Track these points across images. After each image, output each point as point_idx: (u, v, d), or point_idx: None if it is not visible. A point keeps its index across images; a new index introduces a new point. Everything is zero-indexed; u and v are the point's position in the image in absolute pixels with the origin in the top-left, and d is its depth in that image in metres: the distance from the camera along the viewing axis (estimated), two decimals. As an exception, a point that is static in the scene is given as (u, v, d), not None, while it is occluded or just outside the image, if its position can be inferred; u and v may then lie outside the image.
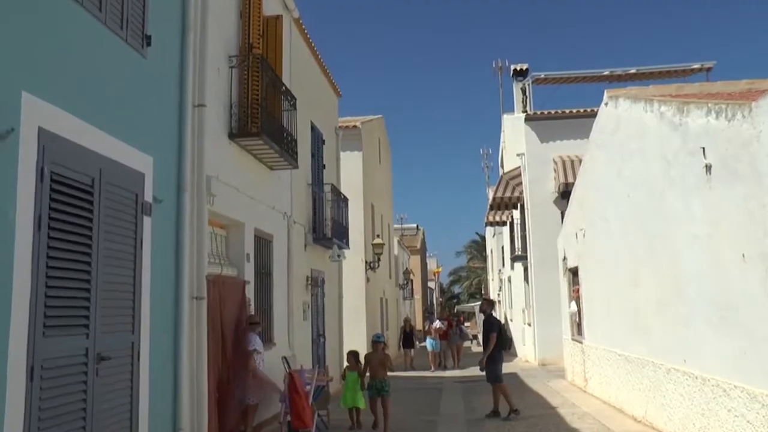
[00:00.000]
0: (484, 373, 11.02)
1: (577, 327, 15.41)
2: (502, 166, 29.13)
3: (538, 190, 21.68)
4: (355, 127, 22.67)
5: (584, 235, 13.61)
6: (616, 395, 11.31)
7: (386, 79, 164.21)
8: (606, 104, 11.47)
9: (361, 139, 22.64)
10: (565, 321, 16.48)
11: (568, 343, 15.96)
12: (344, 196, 15.91)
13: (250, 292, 9.68)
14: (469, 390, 16.25)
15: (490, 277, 44.66)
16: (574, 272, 15.46)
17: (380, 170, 27.87)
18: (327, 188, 14.81)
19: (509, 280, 30.53)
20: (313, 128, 14.49)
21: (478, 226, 77.77)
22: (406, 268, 37.27)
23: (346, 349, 21.07)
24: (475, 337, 49.24)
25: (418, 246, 56.73)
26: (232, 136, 9.13)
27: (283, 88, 10.66)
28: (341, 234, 15.22)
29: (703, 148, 7.24)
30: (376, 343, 10.69)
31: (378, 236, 22.77)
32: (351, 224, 21.35)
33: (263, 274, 10.82)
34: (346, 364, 11.49)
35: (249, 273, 9.74)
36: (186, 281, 7.29)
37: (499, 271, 36.41)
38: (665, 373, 8.78)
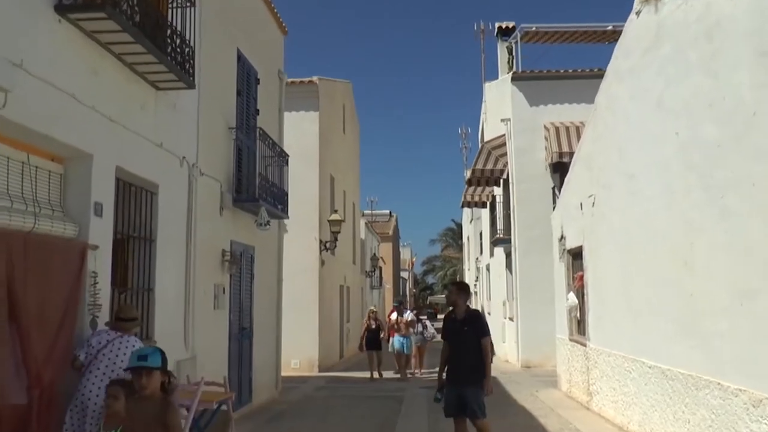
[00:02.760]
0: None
1: (577, 324, 12.14)
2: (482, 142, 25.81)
3: (526, 162, 18.38)
4: (311, 82, 19.27)
5: (593, 204, 10.31)
6: (643, 422, 8.03)
7: (354, 46, 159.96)
8: (638, 13, 8.13)
9: (318, 97, 19.18)
10: (560, 316, 13.20)
11: (564, 343, 12.69)
12: (284, 152, 12.43)
13: (100, 262, 6.22)
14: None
15: (465, 267, 41.49)
16: (575, 254, 12.17)
17: (344, 141, 24.43)
18: (261, 140, 11.32)
19: (487, 269, 27.28)
20: (241, 58, 11.02)
21: (454, 213, 74.70)
22: (374, 254, 33.89)
23: (288, 347, 17.87)
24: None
25: (390, 233, 53.44)
26: (61, 8, 5.65)
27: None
28: (277, 198, 11.77)
29: None
30: None
31: (336, 211, 19.33)
32: (303, 195, 18.02)
33: (136, 239, 7.36)
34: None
35: (100, 233, 6.28)
36: None
37: (476, 259, 33.19)
38: (749, 406, 5.47)
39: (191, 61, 7.72)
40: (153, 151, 7.55)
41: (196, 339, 8.68)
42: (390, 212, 58.38)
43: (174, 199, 8.18)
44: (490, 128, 22.07)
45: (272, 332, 13.04)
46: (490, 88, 23.24)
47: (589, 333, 10.79)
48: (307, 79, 19.28)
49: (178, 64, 7.33)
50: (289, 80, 19.01)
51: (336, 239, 19.14)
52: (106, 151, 6.43)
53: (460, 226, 52.36)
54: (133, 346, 5.65)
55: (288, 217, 12.57)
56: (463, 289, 7.19)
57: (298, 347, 17.74)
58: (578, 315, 11.98)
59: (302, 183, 18.22)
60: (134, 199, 7.30)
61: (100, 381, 5.48)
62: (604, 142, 9.69)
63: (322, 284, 18.90)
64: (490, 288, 26.79)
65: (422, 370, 17.56)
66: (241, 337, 10.83)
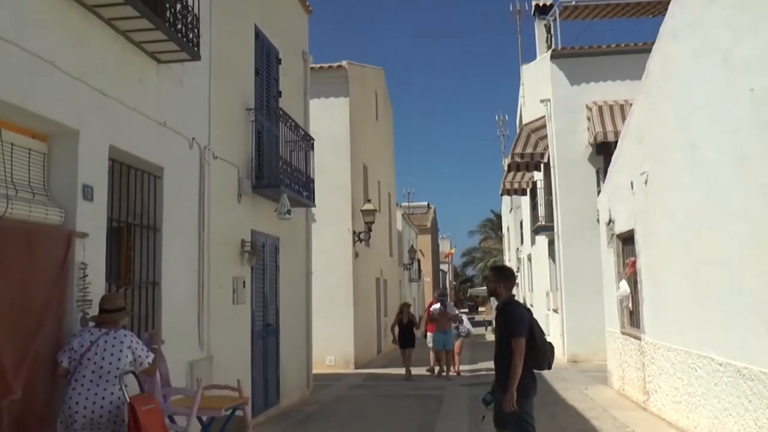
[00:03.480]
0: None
1: (629, 316, 11.14)
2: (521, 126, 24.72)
3: (568, 144, 17.32)
4: (340, 67, 18.47)
5: (646, 182, 9.31)
6: (714, 428, 7.05)
7: (389, 44, 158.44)
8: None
9: (348, 83, 18.37)
10: (609, 307, 12.21)
11: (615, 337, 11.69)
12: (309, 136, 11.64)
13: (90, 252, 5.50)
14: (476, 399, 12.04)
15: (506, 257, 40.37)
16: (625, 239, 11.17)
17: (377, 129, 23.61)
18: (283, 123, 10.54)
19: (529, 259, 26.26)
20: (259, 36, 10.26)
21: (493, 204, 73.61)
22: (412, 246, 33.04)
23: (322, 344, 17.12)
24: (490, 323, 45.04)
25: (429, 225, 52.54)
26: (31, -39, 4.93)
27: None
28: (302, 185, 10.99)
29: None
30: None
31: (369, 201, 18.52)
32: (334, 185, 17.31)
33: (138, 227, 6.65)
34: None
35: (90, 220, 5.55)
36: None
37: (517, 249, 32.14)
38: None
39: (195, 30, 6.97)
40: (155, 130, 6.82)
41: (212, 337, 7.95)
42: (428, 204, 57.49)
43: (182, 184, 7.45)
44: (529, 112, 21.01)
45: (302, 328, 12.30)
46: (527, 70, 22.17)
47: (643, 325, 9.80)
48: (336, 64, 18.50)
49: (179, 32, 6.58)
50: (317, 65, 18.37)
51: (370, 230, 18.33)
52: (96, 128, 5.70)
53: (499, 216, 51.23)
54: (121, 342, 4.88)
55: (314, 205, 11.79)
56: (503, 275, 6.03)
57: (333, 343, 17.03)
58: (630, 305, 10.99)
59: (333, 172, 17.52)
60: (134, 183, 6.58)
61: (87, 390, 4.74)
62: (658, 110, 8.69)
63: (357, 277, 18.13)
64: (532, 278, 25.75)
65: (459, 368, 16.12)
66: (265, 334, 10.10)
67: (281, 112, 10.52)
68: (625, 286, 10.95)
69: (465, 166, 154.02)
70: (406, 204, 46.98)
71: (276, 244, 10.74)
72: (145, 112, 6.60)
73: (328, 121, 17.84)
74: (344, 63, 18.51)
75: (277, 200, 9.94)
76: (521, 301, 31.94)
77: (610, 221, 11.75)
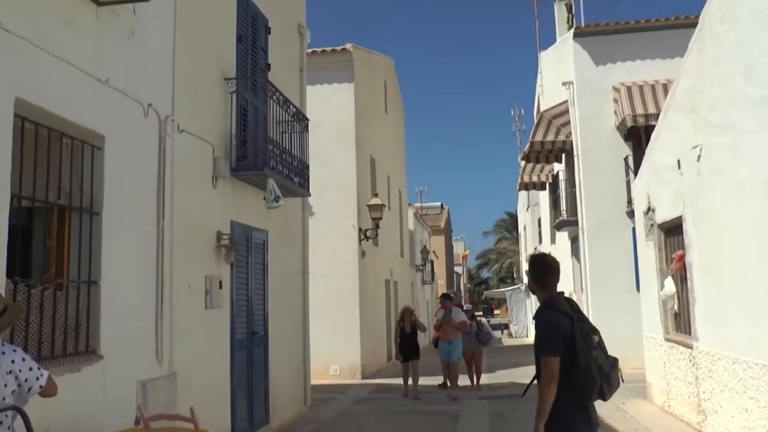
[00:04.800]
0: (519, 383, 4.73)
1: (675, 319, 9.60)
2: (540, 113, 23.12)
3: (593, 130, 15.78)
4: (344, 50, 17.01)
5: (699, 158, 7.77)
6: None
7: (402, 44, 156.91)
8: None
9: (353, 67, 16.91)
10: (648, 309, 10.66)
11: (656, 344, 10.16)
12: (303, 115, 10.17)
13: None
14: (499, 416, 10.53)
15: (522, 258, 38.76)
16: (669, 229, 9.64)
17: (387, 121, 22.15)
18: (272, 99, 9.06)
19: (549, 258, 24.60)
20: (243, -4, 8.82)
21: (507, 205, 72.07)
22: (424, 246, 31.52)
23: (325, 351, 15.59)
24: (506, 326, 43.41)
25: (442, 225, 50.94)
26: None
27: None
28: (295, 171, 9.52)
29: None
30: None
31: (376, 195, 17.03)
32: (338, 177, 15.96)
33: (65, 210, 5.21)
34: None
35: (-18, 198, 4.13)
36: None
37: (535, 249, 30.53)
38: None
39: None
40: (92, 88, 5.37)
41: (175, 349, 6.49)
42: (441, 204, 55.90)
43: (134, 158, 6.01)
44: (548, 101, 19.44)
45: (297, 336, 10.83)
46: (546, 56, 20.63)
47: (696, 330, 8.25)
48: (339, 47, 17.05)
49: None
50: (320, 49, 16.97)
51: (378, 227, 16.85)
52: (-7, 75, 4.27)
53: (514, 216, 49.61)
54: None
55: (309, 194, 10.30)
56: (532, 268, 4.44)
57: (338, 351, 15.57)
58: (676, 307, 9.44)
59: (337, 163, 16.12)
60: (61, 153, 5.14)
61: None
62: (719, 67, 7.15)
63: (364, 278, 16.66)
64: (553, 279, 24.14)
65: (479, 381, 14.11)
66: (250, 343, 8.63)
67: (271, 88, 9.06)
68: (670, 285, 9.43)
69: (479, 167, 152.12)
70: (419, 204, 45.42)
71: (264, 239, 9.28)
72: (77, 64, 5.16)
73: (332, 109, 16.43)
74: (349, 46, 17.06)
75: (263, 187, 8.48)
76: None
77: (649, 210, 10.21)
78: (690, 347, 8.49)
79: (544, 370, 4.07)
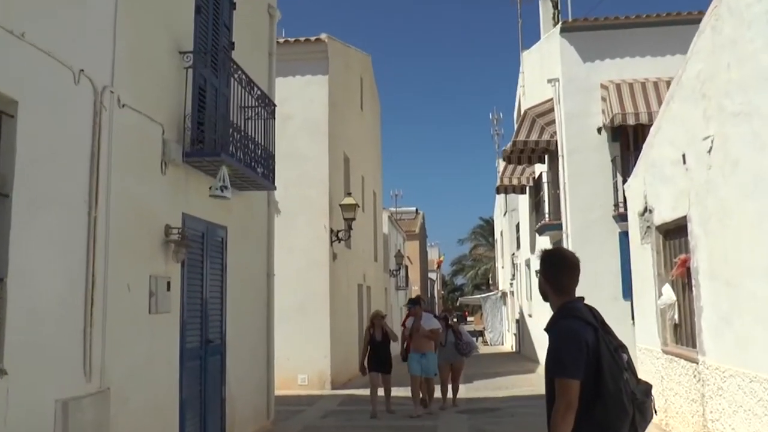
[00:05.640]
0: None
1: (674, 330, 8.79)
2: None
3: (579, 129, 14.99)
4: (319, 40, 16.07)
5: (711, 149, 6.96)
6: None
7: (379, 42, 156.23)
8: None
9: (328, 59, 15.98)
10: (643, 319, 9.85)
11: (652, 357, 9.34)
12: (269, 100, 9.19)
13: None
14: (481, 434, 9.63)
15: (498, 264, 38.10)
16: (668, 231, 8.84)
17: (362, 119, 21.24)
18: (236, 80, 8.07)
19: (527, 265, 23.88)
20: (202, -38, 7.84)
21: (483, 211, 71.85)
22: (399, 251, 30.64)
23: (293, 360, 14.48)
24: (481, 333, 42.56)
25: (417, 231, 50.15)
26: None
27: None
28: (258, 161, 8.53)
29: None
30: None
31: (349, 194, 16.09)
32: (309, 174, 15.11)
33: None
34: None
35: None
36: None
37: (512, 255, 29.82)
38: None
39: None
40: (7, 44, 4.39)
41: (109, 361, 5.49)
42: (416, 209, 55.11)
43: (58, 132, 5.01)
44: (530, 101, 18.69)
45: (260, 343, 9.84)
46: (529, 55, 19.97)
47: (703, 343, 7.42)
48: (314, 37, 16.11)
49: None
50: (293, 39, 16.06)
51: (350, 228, 15.90)
52: None
53: (490, 222, 48.96)
54: None
55: (274, 187, 9.32)
56: (544, 265, 3.49)
57: (306, 360, 14.60)
58: (676, 317, 8.63)
59: (308, 160, 15.22)
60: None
61: None
62: (737, 48, 6.34)
63: (335, 282, 15.70)
64: (531, 287, 23.38)
65: (456, 397, 12.22)
66: (204, 353, 7.63)
67: (235, 68, 8.08)
68: (669, 292, 8.61)
69: (455, 173, 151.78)
70: (394, 209, 44.58)
71: (222, 236, 8.30)
72: (-20, 10, 4.17)
73: (305, 102, 15.53)
74: (324, 36, 16.13)
75: (212, 173, 7.45)
76: (515, 309, 28.91)
77: (646, 210, 9.40)
78: (695, 361, 7.66)
79: (558, 397, 3.15)
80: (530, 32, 20.22)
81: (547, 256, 3.58)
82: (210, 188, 7.10)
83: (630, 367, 3.31)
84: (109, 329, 5.50)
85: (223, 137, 7.44)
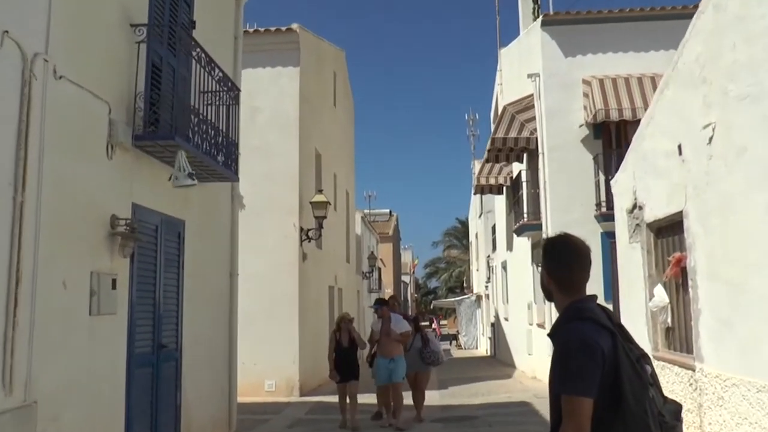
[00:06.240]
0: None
1: (665, 334, 8.24)
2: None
3: (560, 126, 14.45)
4: (290, 30, 15.36)
5: (711, 139, 6.40)
6: None
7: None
8: None
9: (299, 50, 15.28)
10: (632, 322, 9.25)
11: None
12: (232, 84, 8.46)
13: None
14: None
15: (473, 267, 37.62)
16: (660, 229, 8.28)
17: (335, 116, 20.54)
18: (194, 59, 7.36)
19: (503, 267, 23.35)
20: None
21: (458, 213, 71.44)
22: (372, 252, 29.98)
23: (260, 365, 13.54)
24: (455, 337, 42.01)
25: (391, 233, 49.58)
26: None
27: None
28: (220, 149, 7.82)
29: None
30: None
31: (321, 191, 15.39)
32: (278, 170, 14.41)
33: None
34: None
35: None
36: None
37: (488, 257, 29.30)
38: None
39: None
40: None
41: (36, 370, 4.75)
42: (390, 211, 54.54)
43: (-26, 102, 4.28)
44: (508, 97, 18.15)
45: (221, 349, 9.10)
46: (507, 52, 19.45)
47: (701, 349, 6.86)
48: (284, 27, 15.40)
49: None
50: (263, 28, 15.35)
51: (321, 227, 15.20)
52: None
53: (464, 224, 48.48)
54: None
55: (237, 179, 8.61)
56: (563, 254, 2.76)
57: (273, 365, 13.84)
58: (669, 320, 8.08)
59: (278, 154, 14.52)
60: None
61: None
62: (744, 25, 5.78)
63: (305, 283, 14.98)
64: (508, 289, 22.87)
65: (421, 412, 10.69)
66: (156, 359, 6.89)
67: (194, 46, 7.36)
68: (662, 294, 8.04)
69: (429, 176, 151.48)
70: (368, 210, 43.89)
71: (179, 230, 7.57)
72: None
73: (275, 94, 14.82)
74: (295, 26, 15.42)
75: (168, 160, 6.73)
76: (490, 312, 28.36)
77: (635, 207, 8.85)
78: (690, 368, 7.10)
79: (566, 418, 2.49)
80: (509, 32, 19.67)
81: (550, 245, 2.90)
82: (171, 177, 6.37)
83: (655, 382, 2.67)
84: (37, 333, 4.77)
85: (180, 120, 6.73)
